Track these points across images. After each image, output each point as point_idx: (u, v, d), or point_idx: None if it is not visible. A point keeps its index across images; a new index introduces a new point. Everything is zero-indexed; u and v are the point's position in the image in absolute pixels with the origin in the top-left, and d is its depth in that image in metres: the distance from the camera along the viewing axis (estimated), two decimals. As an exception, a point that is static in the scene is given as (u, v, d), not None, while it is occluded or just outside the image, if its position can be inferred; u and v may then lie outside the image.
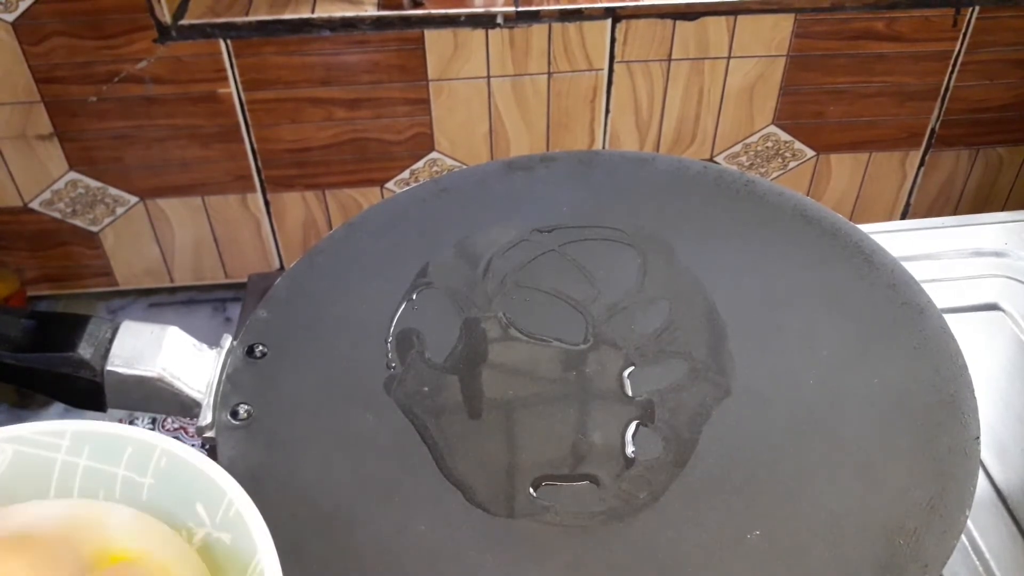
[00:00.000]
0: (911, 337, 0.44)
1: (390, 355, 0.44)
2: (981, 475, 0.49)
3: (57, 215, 1.12)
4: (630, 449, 0.40)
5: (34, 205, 1.11)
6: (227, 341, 0.44)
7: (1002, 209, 1.04)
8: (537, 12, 1.01)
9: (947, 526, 0.36)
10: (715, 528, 0.37)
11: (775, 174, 1.19)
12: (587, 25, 1.02)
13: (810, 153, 1.17)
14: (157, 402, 0.42)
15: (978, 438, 0.40)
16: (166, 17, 0.98)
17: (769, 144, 1.16)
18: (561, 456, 0.40)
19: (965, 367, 0.42)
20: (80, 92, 1.02)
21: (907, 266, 0.47)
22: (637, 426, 0.41)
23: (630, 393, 0.42)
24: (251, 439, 0.41)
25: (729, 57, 1.07)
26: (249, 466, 0.39)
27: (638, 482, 0.39)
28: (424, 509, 0.38)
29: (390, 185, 1.14)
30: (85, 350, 0.40)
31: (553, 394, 0.42)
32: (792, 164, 1.18)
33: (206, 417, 0.41)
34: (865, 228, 0.50)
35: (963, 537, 0.47)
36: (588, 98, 1.09)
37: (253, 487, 0.32)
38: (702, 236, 0.50)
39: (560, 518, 0.38)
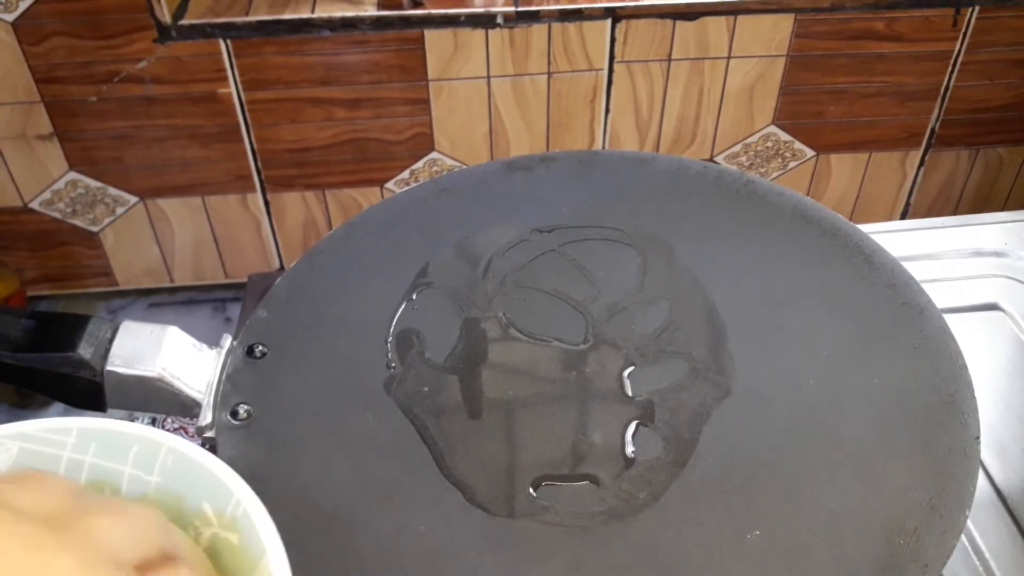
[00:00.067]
0: (911, 337, 0.44)
1: (390, 355, 0.44)
2: (981, 475, 0.49)
3: (57, 215, 1.12)
4: (630, 449, 0.40)
5: (34, 205, 1.11)
6: (227, 341, 0.44)
7: (1002, 209, 1.04)
8: (537, 12, 1.01)
9: (947, 526, 0.36)
10: (715, 528, 0.37)
11: (775, 174, 1.19)
12: (587, 25, 1.02)
13: (810, 153, 1.17)
14: (157, 402, 0.42)
15: (978, 438, 0.40)
16: (166, 17, 0.98)
17: (769, 144, 1.16)
18: (561, 456, 0.40)
19: (965, 367, 0.42)
20: (80, 92, 1.02)
21: (907, 266, 0.47)
22: (637, 426, 0.41)
23: (630, 393, 0.42)
24: (251, 439, 0.41)
25: (729, 57, 1.07)
26: (249, 466, 0.39)
27: (638, 482, 0.39)
28: (424, 509, 0.38)
29: (390, 185, 1.14)
30: (85, 350, 0.40)
31: (553, 394, 0.42)
32: (792, 164, 1.18)
33: (206, 417, 0.41)
34: (865, 228, 0.50)
35: (963, 537, 0.47)
36: (588, 98, 1.09)
37: (253, 487, 0.32)
38: (702, 236, 0.50)
39: (560, 518, 0.38)
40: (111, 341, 0.41)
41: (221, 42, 1.00)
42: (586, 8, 1.01)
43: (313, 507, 0.38)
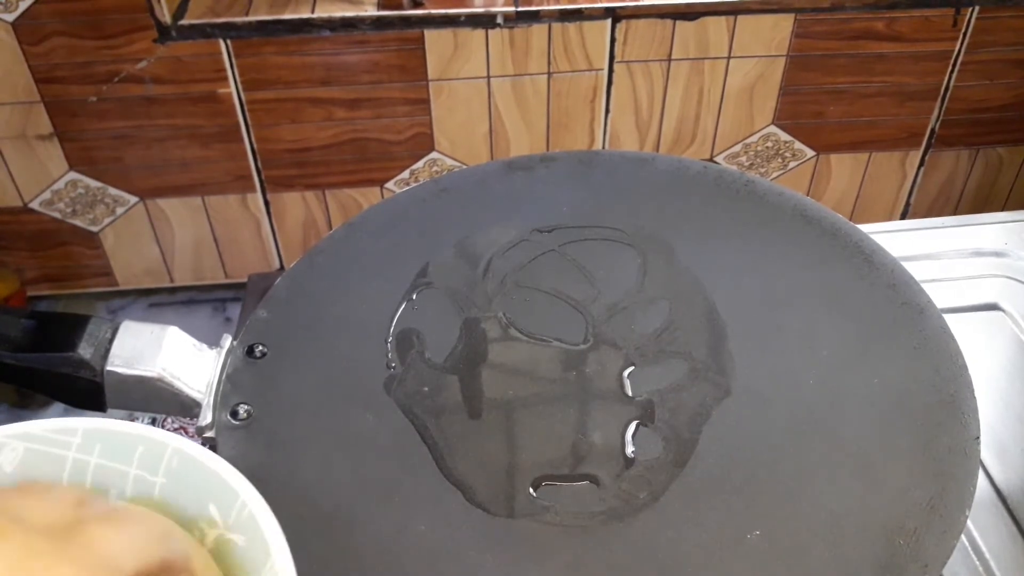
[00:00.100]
0: (911, 337, 0.44)
1: (390, 355, 0.44)
2: (981, 475, 0.49)
3: (57, 215, 1.12)
4: (630, 449, 0.40)
5: (34, 205, 1.11)
6: (227, 341, 0.44)
7: (1002, 209, 1.05)
8: (537, 12, 1.01)
9: (947, 526, 0.36)
10: (715, 528, 0.37)
11: (775, 174, 1.19)
12: (587, 25, 1.02)
13: (810, 153, 1.17)
14: (157, 402, 0.42)
15: (978, 438, 0.40)
16: (166, 17, 0.98)
17: (769, 144, 1.16)
18: (561, 456, 0.40)
19: (965, 367, 0.42)
20: (80, 92, 1.02)
21: (907, 266, 0.47)
22: (637, 426, 0.41)
23: (630, 393, 0.42)
24: (251, 439, 0.41)
25: (729, 57, 1.07)
26: (249, 466, 0.39)
27: (638, 482, 0.39)
28: (424, 509, 0.38)
29: (390, 185, 1.14)
30: (85, 350, 0.40)
31: (553, 394, 0.42)
32: (792, 164, 1.18)
33: (206, 417, 0.41)
34: (865, 228, 0.50)
35: (963, 537, 0.47)
36: (588, 98, 1.09)
37: (253, 487, 0.32)
38: (702, 236, 0.50)
39: (560, 518, 0.38)
40: (111, 341, 0.41)
41: (221, 42, 1.00)
42: (586, 8, 1.01)
43: (313, 507, 0.38)
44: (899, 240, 0.58)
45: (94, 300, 1.22)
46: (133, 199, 1.12)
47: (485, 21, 1.01)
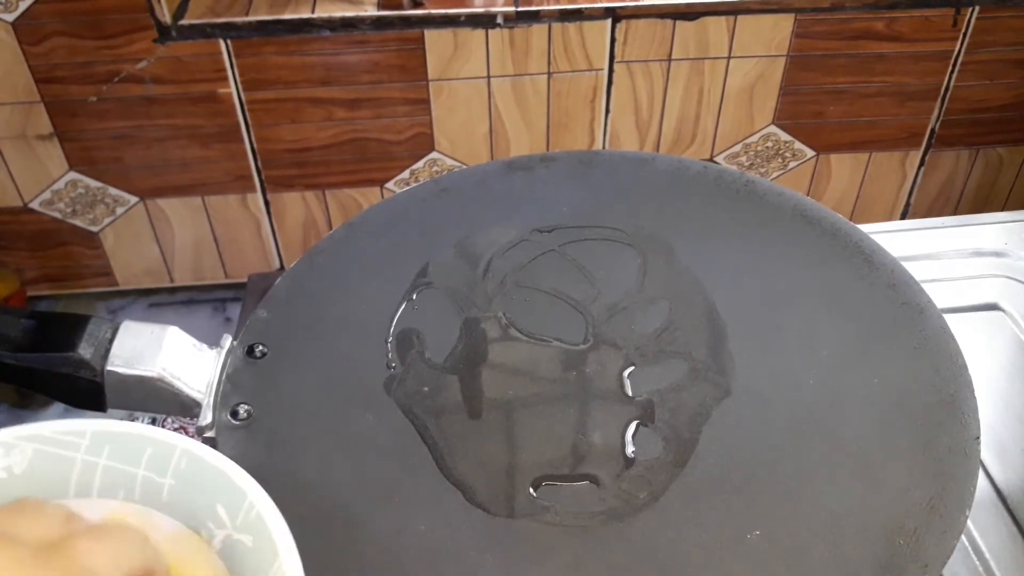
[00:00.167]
0: (911, 337, 0.44)
1: (390, 355, 0.44)
2: (981, 475, 0.49)
3: (57, 215, 1.12)
4: (630, 449, 0.40)
5: (34, 205, 1.11)
6: (227, 341, 0.44)
7: (1002, 209, 1.04)
8: (537, 12, 1.01)
9: (947, 526, 0.36)
10: (715, 528, 0.37)
11: (775, 174, 1.19)
12: (587, 25, 1.02)
13: (810, 153, 1.17)
14: (157, 402, 0.42)
15: (978, 438, 0.40)
16: (166, 17, 0.98)
17: (769, 144, 1.16)
18: (561, 456, 0.40)
19: (965, 367, 0.42)
20: (80, 92, 1.02)
21: (907, 266, 0.47)
22: (637, 426, 0.41)
23: (630, 393, 0.42)
24: (251, 439, 0.41)
25: (729, 57, 1.07)
26: (249, 466, 0.39)
27: (638, 482, 0.39)
28: (424, 509, 0.38)
29: (390, 185, 1.14)
30: (85, 350, 0.40)
31: (553, 394, 0.42)
32: (792, 164, 1.18)
33: (206, 417, 0.41)
34: (865, 228, 0.50)
35: (963, 537, 0.47)
36: (588, 98, 1.09)
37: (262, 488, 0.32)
38: (702, 236, 0.50)
39: (560, 518, 0.38)
40: (111, 341, 0.41)
41: (221, 42, 1.00)
42: (586, 8, 1.01)
43: (313, 507, 0.38)
44: (899, 240, 0.58)
45: (94, 300, 1.22)
46: (133, 199, 1.12)
47: (485, 21, 1.01)
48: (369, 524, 0.38)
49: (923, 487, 0.38)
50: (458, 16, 1.00)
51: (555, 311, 0.46)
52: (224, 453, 0.40)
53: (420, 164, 1.13)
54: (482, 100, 1.07)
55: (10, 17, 0.96)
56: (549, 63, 1.05)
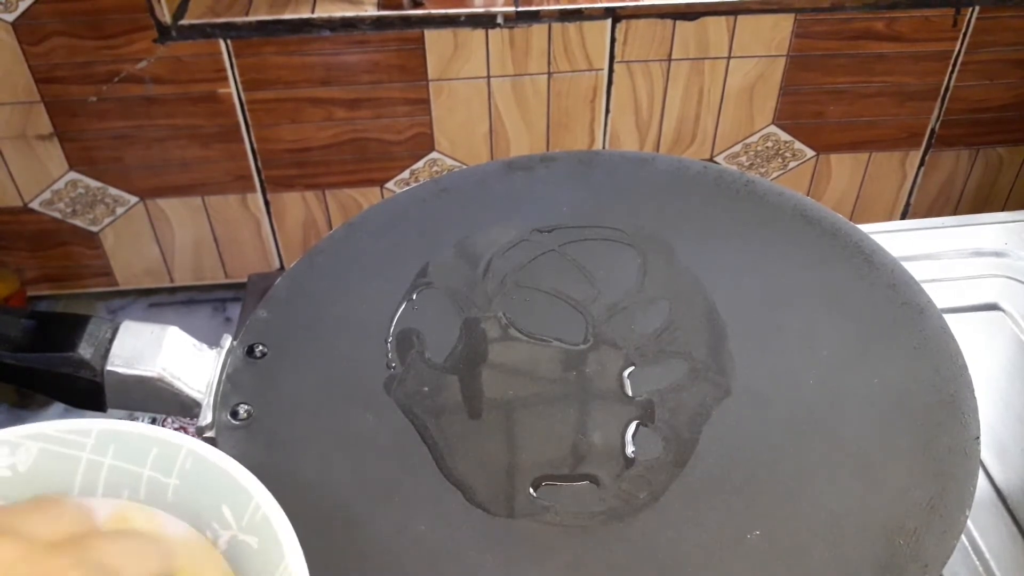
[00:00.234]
0: (911, 337, 0.44)
1: (390, 355, 0.44)
2: (981, 475, 0.49)
3: (57, 215, 1.12)
4: (630, 449, 0.40)
5: (34, 205, 1.11)
6: (227, 341, 0.44)
7: (1002, 209, 1.05)
8: (537, 12, 1.01)
9: (947, 526, 0.36)
10: (715, 528, 0.37)
11: (775, 174, 1.19)
12: (587, 25, 1.02)
13: (810, 153, 1.17)
14: (157, 402, 0.42)
15: (978, 438, 0.40)
16: (166, 17, 0.98)
17: (769, 144, 1.16)
18: (561, 456, 0.40)
19: (965, 367, 0.42)
20: (80, 92, 1.02)
21: (907, 266, 0.47)
22: (637, 426, 0.41)
23: (630, 393, 0.42)
24: (251, 439, 0.41)
25: (729, 57, 1.07)
26: (249, 466, 0.39)
27: (638, 482, 0.39)
28: (424, 509, 0.38)
29: (390, 185, 1.14)
30: (85, 350, 0.40)
31: (553, 394, 0.42)
32: (792, 164, 1.18)
33: (206, 417, 0.41)
34: (865, 228, 0.50)
35: (963, 537, 0.47)
36: (588, 98, 1.09)
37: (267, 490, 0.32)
38: (702, 236, 0.50)
39: (560, 518, 0.38)
40: (111, 341, 0.41)
41: (221, 42, 1.00)
42: (586, 8, 1.01)
43: (313, 507, 0.38)
44: (899, 240, 0.58)
45: (94, 300, 1.22)
46: (133, 199, 1.12)
47: (485, 21, 1.01)
48: (369, 524, 0.38)
49: (923, 487, 0.38)
50: (458, 16, 1.00)
51: (555, 311, 0.46)
52: (224, 453, 0.40)
53: (420, 164, 1.13)
54: (482, 100, 1.07)
55: (10, 17, 0.96)
56: (549, 63, 1.05)
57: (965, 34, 1.07)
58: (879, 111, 1.13)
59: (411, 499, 0.39)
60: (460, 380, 0.43)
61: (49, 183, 1.09)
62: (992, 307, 0.60)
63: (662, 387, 0.42)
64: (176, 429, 0.34)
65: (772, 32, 1.05)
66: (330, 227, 1.18)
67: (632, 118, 1.11)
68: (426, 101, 1.06)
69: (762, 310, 0.46)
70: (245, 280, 0.70)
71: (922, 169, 1.20)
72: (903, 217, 1.25)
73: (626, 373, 0.43)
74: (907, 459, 0.39)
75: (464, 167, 1.08)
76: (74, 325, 0.41)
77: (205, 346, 0.44)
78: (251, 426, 0.41)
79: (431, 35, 1.01)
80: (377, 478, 0.39)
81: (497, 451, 0.40)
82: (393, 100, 1.06)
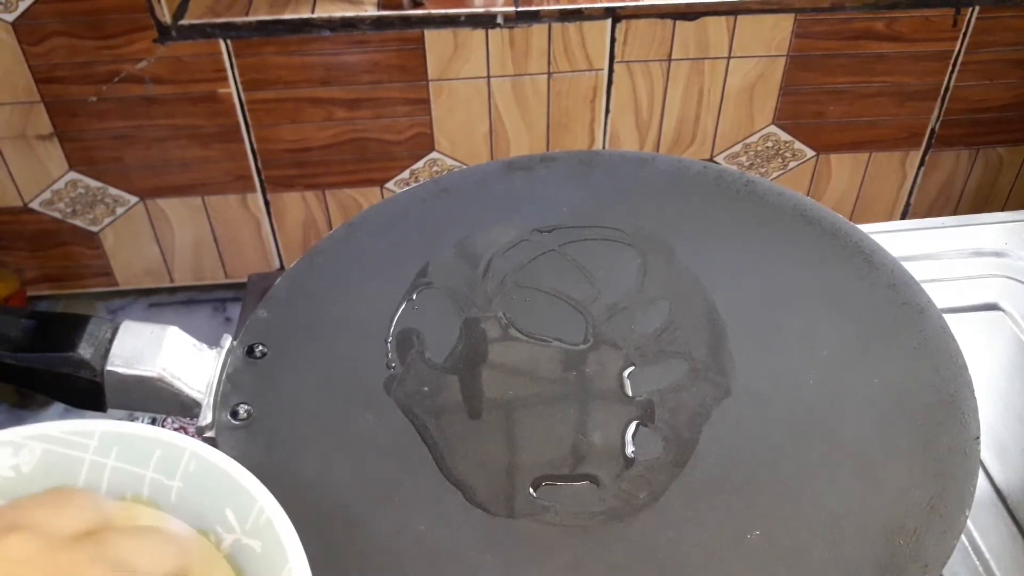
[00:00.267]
0: (911, 337, 0.44)
1: (390, 355, 0.44)
2: (981, 475, 0.49)
3: (57, 215, 1.12)
4: (630, 449, 0.40)
5: (34, 205, 1.11)
6: (227, 341, 0.44)
7: (1002, 209, 1.04)
8: (537, 12, 1.01)
9: (947, 526, 0.36)
10: (715, 528, 0.37)
11: (775, 174, 1.19)
12: (587, 25, 1.02)
13: (810, 153, 1.17)
14: (157, 402, 0.42)
15: (978, 438, 0.40)
16: (166, 17, 0.98)
17: (769, 144, 1.16)
18: (561, 456, 0.40)
19: (965, 367, 0.42)
20: (80, 92, 1.02)
21: (907, 266, 0.47)
22: (637, 426, 0.41)
23: (630, 393, 0.42)
24: (251, 439, 0.41)
25: (729, 57, 1.07)
26: (249, 466, 0.39)
27: (638, 482, 0.39)
28: (424, 509, 0.38)
29: (390, 185, 1.14)
30: (85, 350, 0.40)
31: (553, 394, 0.42)
32: (792, 164, 1.18)
33: (206, 417, 0.41)
34: (865, 228, 0.50)
35: (963, 537, 0.47)
36: (588, 98, 1.09)
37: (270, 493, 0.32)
38: (702, 236, 0.50)
39: (560, 518, 0.38)
40: (111, 341, 0.41)
41: (221, 42, 1.00)
42: (586, 8, 1.01)
43: (313, 507, 0.38)
44: (899, 240, 0.58)
45: (94, 300, 1.22)
46: (133, 199, 1.12)
47: (485, 21, 1.01)
48: (369, 524, 0.38)
49: (923, 487, 0.38)
50: (458, 16, 1.00)
51: (555, 311, 0.46)
52: (224, 453, 0.40)
53: (420, 164, 1.13)
54: (482, 100, 1.07)
55: (10, 17, 0.96)
56: (549, 63, 1.05)
57: (965, 34, 1.07)
58: (879, 111, 1.13)
59: (411, 499, 0.39)
60: (460, 380, 0.43)
61: (49, 183, 1.09)
62: (992, 307, 0.60)
63: (662, 387, 0.42)
64: (176, 429, 0.34)
65: (772, 32, 1.05)
66: (330, 227, 1.18)
67: (632, 118, 1.11)
68: (426, 101, 1.07)
69: (762, 310, 0.46)
70: (245, 280, 0.70)
71: (922, 169, 1.21)
72: (903, 217, 1.25)
73: (626, 373, 0.43)
74: (907, 459, 0.39)
75: (464, 167, 1.08)
76: (74, 325, 0.41)
77: (205, 346, 0.44)
78: (251, 426, 0.41)
79: (431, 35, 1.01)
80: (377, 478, 0.39)
81: (497, 451, 0.40)
82: (393, 100, 1.06)
